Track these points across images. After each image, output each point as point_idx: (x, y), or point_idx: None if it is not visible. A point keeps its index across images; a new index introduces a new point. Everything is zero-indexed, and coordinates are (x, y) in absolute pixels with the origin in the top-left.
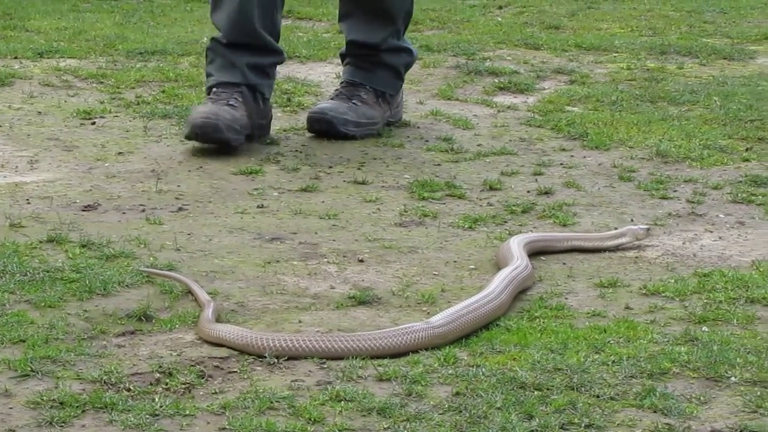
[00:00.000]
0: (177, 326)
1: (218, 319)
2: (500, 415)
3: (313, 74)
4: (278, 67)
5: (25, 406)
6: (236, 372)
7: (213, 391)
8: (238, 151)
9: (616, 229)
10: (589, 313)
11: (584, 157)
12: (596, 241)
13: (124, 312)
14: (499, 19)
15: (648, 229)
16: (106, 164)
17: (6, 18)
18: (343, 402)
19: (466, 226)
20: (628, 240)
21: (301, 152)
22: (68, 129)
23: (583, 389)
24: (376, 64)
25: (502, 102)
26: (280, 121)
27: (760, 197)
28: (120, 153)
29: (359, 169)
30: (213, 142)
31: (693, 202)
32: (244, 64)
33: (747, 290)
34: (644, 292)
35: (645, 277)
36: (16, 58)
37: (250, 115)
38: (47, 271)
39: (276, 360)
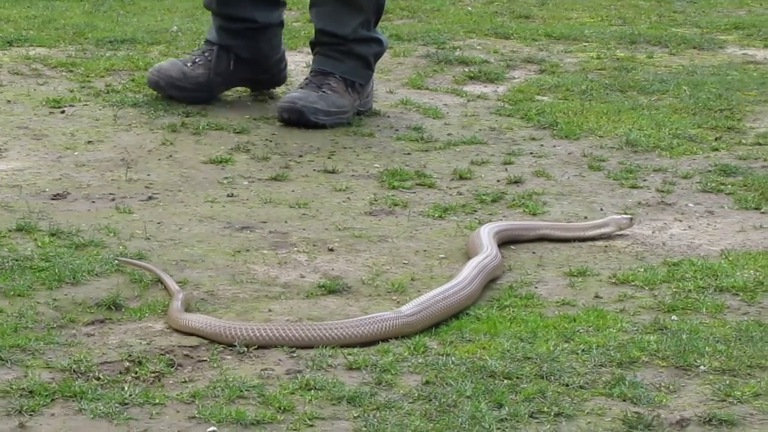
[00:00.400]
0: (147, 315)
1: (188, 309)
2: (470, 403)
3: None
4: None
5: None
6: (206, 361)
7: (183, 380)
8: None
9: (586, 218)
10: (558, 302)
11: (554, 146)
12: (579, 230)
13: (94, 301)
14: (470, 8)
15: (631, 219)
16: (76, 153)
17: None
18: (312, 391)
19: (436, 215)
20: (611, 230)
21: (271, 141)
22: (37, 117)
23: (552, 378)
24: (346, 53)
25: (472, 91)
26: (250, 110)
27: (730, 186)
28: (89, 142)
29: (329, 158)
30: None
31: (662, 191)
32: (217, 26)
33: (716, 279)
34: (614, 281)
35: (614, 266)
36: None
37: (212, 74)
38: (16, 260)
39: (246, 349)
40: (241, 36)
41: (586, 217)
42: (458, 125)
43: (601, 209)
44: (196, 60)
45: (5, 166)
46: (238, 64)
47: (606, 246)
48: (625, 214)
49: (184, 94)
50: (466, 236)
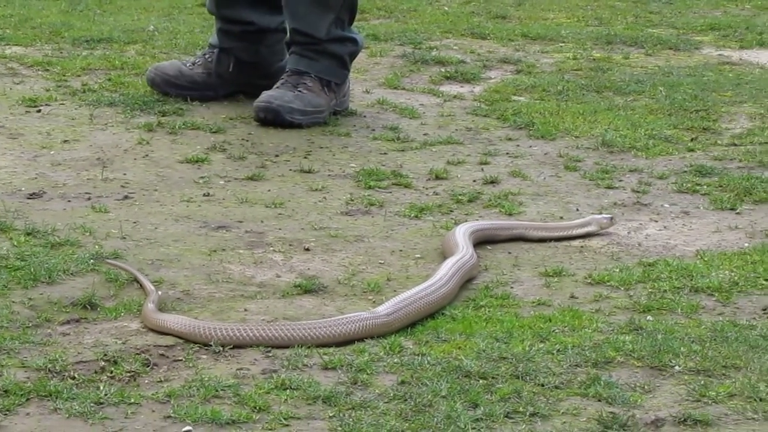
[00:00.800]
0: (122, 314)
1: (162, 308)
2: (445, 403)
3: None
4: None
5: None
6: (181, 360)
7: (158, 380)
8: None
9: (562, 218)
10: (534, 302)
11: (530, 146)
12: (562, 230)
13: (69, 300)
14: (446, 8)
15: (612, 218)
16: (52, 152)
17: None
18: (288, 390)
19: (413, 215)
20: (593, 229)
21: (247, 141)
22: (13, 116)
23: (528, 378)
24: (321, 52)
25: (448, 91)
26: (226, 110)
27: (705, 187)
28: (66, 141)
29: (305, 157)
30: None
31: (638, 192)
32: (218, 29)
33: (691, 280)
34: (589, 281)
35: (590, 266)
36: None
37: (211, 74)
38: None
39: (221, 348)
40: (241, 39)
41: (561, 218)
42: (435, 125)
43: (577, 209)
44: (196, 61)
45: None
46: (239, 68)
47: (582, 246)
48: (606, 213)
49: (178, 92)
50: (442, 236)
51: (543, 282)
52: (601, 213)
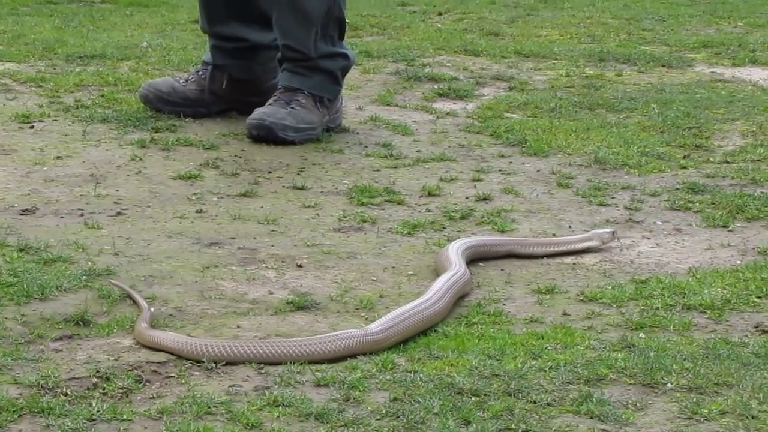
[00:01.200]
0: (115, 331)
1: (155, 325)
2: (438, 420)
3: None
4: None
5: None
6: (174, 377)
7: (150, 396)
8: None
9: (554, 235)
10: (526, 319)
11: (523, 163)
12: (562, 245)
13: (62, 316)
14: (439, 25)
15: (613, 233)
16: (45, 168)
17: None
18: (280, 407)
19: (405, 232)
20: (594, 244)
21: (240, 157)
22: (6, 133)
23: (520, 395)
24: (312, 69)
25: (441, 108)
26: (219, 126)
27: (698, 204)
28: (59, 157)
29: (298, 174)
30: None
31: (631, 209)
32: (211, 46)
33: (683, 297)
34: (582, 298)
35: (582, 283)
36: None
37: (204, 91)
38: None
39: (214, 365)
40: (234, 56)
41: (554, 234)
42: (427, 142)
43: (570, 227)
44: (190, 78)
45: None
46: (232, 85)
47: (574, 263)
48: (607, 228)
49: (171, 108)
50: (435, 253)
51: (535, 299)
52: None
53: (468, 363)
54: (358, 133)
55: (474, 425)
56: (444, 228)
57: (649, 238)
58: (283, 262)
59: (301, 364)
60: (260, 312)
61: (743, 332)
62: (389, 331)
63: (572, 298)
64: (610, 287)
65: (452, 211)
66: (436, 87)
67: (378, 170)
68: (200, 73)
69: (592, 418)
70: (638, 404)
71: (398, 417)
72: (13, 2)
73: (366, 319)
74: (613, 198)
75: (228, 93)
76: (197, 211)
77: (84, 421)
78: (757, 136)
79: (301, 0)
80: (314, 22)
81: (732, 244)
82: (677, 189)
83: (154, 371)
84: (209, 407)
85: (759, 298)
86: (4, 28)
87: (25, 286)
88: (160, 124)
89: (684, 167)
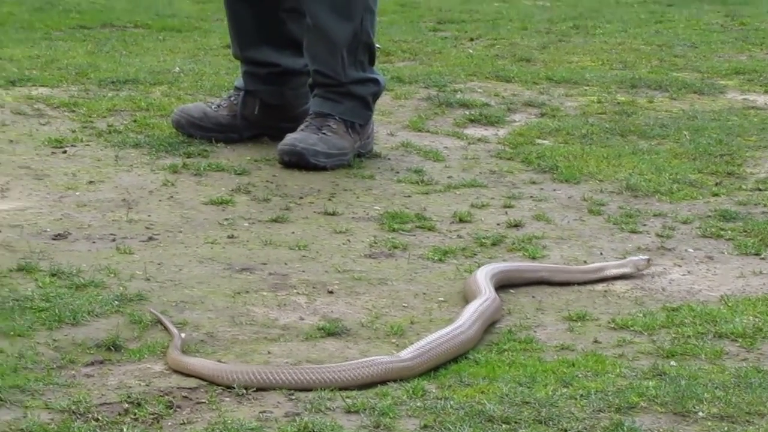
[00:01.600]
0: (146, 356)
1: (185, 350)
2: None
3: None
4: None
5: None
6: (205, 403)
7: (181, 422)
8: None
9: (585, 262)
10: (557, 347)
11: (554, 190)
12: (598, 272)
13: (94, 342)
14: (471, 51)
15: (649, 260)
16: (77, 193)
17: None
18: None
19: (436, 258)
20: (629, 270)
21: (271, 183)
22: (39, 157)
23: (551, 423)
24: (344, 94)
25: (472, 134)
26: (250, 151)
27: (729, 232)
28: (91, 182)
29: (329, 200)
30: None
31: (662, 236)
32: (243, 71)
33: (715, 325)
34: (613, 326)
35: (614, 310)
36: None
37: (236, 117)
38: (17, 300)
39: (244, 391)
40: (266, 81)
41: (585, 261)
42: (458, 168)
43: (601, 254)
44: (222, 103)
45: (7, 205)
46: (264, 110)
47: (605, 291)
48: (643, 255)
49: (203, 133)
50: (466, 279)
51: (566, 326)
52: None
53: (498, 390)
54: (389, 158)
55: None
56: (475, 254)
57: (680, 266)
58: (314, 287)
59: (332, 390)
60: (291, 338)
61: None
62: (420, 357)
63: (603, 325)
64: (641, 315)
65: (483, 238)
66: (467, 113)
67: (409, 196)
68: (232, 98)
69: None
70: None
71: None
72: (47, 27)
73: (397, 345)
74: (644, 225)
75: (260, 118)
76: (229, 237)
77: None
78: None
79: (325, 26)
80: (340, 48)
81: (764, 272)
82: (709, 216)
83: (185, 397)
84: None
85: None
86: (38, 53)
87: (57, 311)
88: (192, 150)
89: (716, 194)
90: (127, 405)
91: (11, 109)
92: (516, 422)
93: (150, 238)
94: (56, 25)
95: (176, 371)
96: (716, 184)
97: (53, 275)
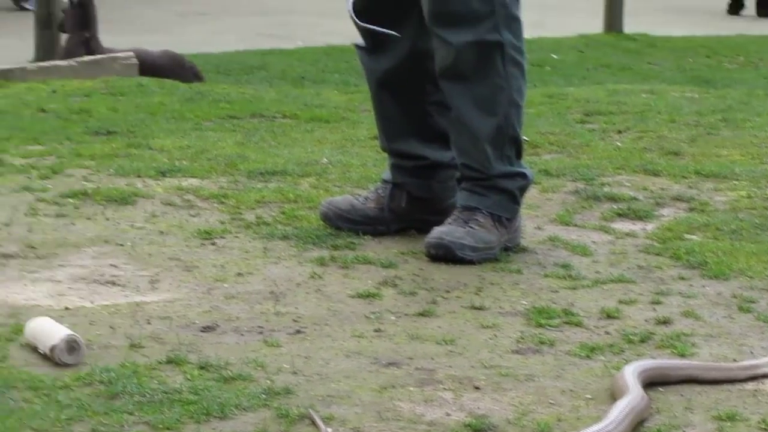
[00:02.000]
0: None
1: None
2: None
3: None
4: None
5: None
6: None
7: None
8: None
9: (734, 360)
10: None
11: (703, 286)
12: (742, 370)
13: None
14: (618, 143)
15: None
16: (226, 285)
17: (130, 136)
18: None
19: (584, 354)
20: None
21: (418, 276)
22: (189, 249)
23: None
24: (490, 188)
25: (620, 228)
26: (397, 244)
27: None
28: (239, 274)
29: (476, 294)
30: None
31: None
32: (390, 164)
33: None
34: (763, 426)
35: (764, 410)
36: (139, 176)
37: (383, 209)
38: (165, 393)
39: None
40: (414, 174)
41: (734, 360)
42: (606, 263)
43: (751, 352)
44: (369, 196)
45: (157, 297)
46: (411, 203)
47: (755, 390)
48: None
49: (350, 226)
50: (612, 377)
51: (716, 426)
52: None
53: None
54: (536, 252)
55: None
56: (623, 351)
57: None
58: (460, 383)
59: None
60: None
61: None
62: None
63: (753, 426)
64: None
65: (631, 334)
66: (615, 207)
67: (556, 291)
68: (379, 191)
69: None
70: None
71: None
72: (197, 117)
73: None
74: None
75: (407, 211)
76: (375, 330)
77: None
78: None
79: (468, 120)
80: (482, 142)
81: None
82: None
83: None
84: None
85: None
86: (188, 144)
87: (205, 404)
88: (340, 242)
89: None
90: None
91: (161, 200)
92: None
93: (297, 331)
94: (206, 115)
95: None
96: None
97: (201, 368)
